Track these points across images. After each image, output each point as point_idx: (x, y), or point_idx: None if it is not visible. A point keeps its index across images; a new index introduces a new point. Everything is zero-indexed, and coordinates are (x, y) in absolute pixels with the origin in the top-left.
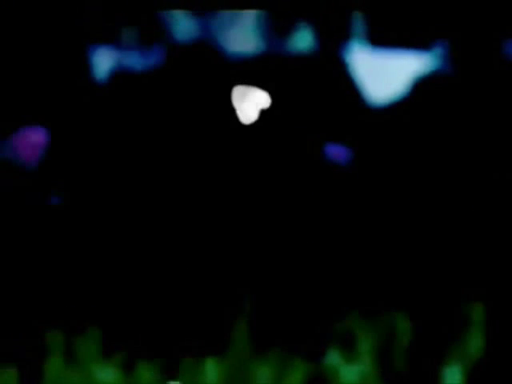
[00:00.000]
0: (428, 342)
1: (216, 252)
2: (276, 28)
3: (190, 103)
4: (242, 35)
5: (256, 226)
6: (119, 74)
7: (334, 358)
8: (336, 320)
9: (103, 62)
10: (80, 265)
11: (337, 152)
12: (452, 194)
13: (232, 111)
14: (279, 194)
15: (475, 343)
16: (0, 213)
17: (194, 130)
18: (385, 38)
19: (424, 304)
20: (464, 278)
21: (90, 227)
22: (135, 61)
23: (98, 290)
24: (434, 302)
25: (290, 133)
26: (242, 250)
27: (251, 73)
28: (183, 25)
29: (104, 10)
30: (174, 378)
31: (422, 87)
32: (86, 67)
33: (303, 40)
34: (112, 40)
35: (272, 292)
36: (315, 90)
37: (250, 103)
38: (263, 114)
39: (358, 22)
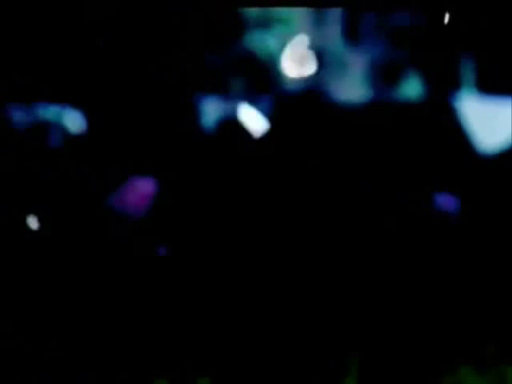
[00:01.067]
0: None
1: (323, 312)
2: (384, 76)
3: (297, 152)
4: (350, 84)
5: (363, 283)
6: (227, 124)
7: None
8: (447, 373)
9: (212, 111)
10: (189, 314)
11: (446, 201)
12: None
13: (341, 159)
14: (388, 246)
15: None
16: (109, 262)
17: (302, 178)
18: (494, 86)
19: None
20: None
21: (197, 277)
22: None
23: (209, 339)
24: None
25: (399, 182)
26: (349, 309)
27: (360, 121)
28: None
29: (212, 60)
30: None
31: None
32: (194, 116)
33: (412, 88)
34: (221, 90)
35: (380, 348)
36: (424, 137)
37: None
38: (373, 162)
39: (467, 70)
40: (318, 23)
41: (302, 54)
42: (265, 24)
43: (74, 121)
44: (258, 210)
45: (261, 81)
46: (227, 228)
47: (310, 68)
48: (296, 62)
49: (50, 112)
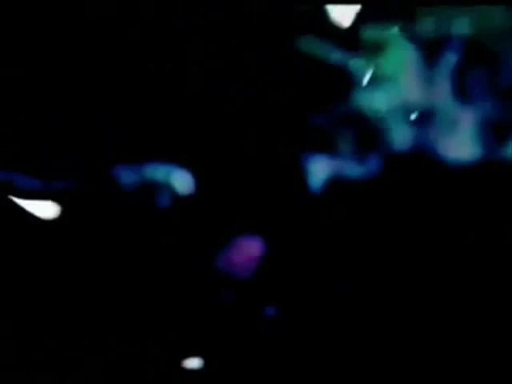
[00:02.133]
0: None
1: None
2: (494, 134)
3: (406, 211)
4: (460, 142)
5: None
6: (335, 183)
7: None
8: None
9: (319, 170)
10: (297, 373)
11: None
12: None
13: (449, 217)
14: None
15: None
16: (217, 323)
17: (412, 237)
18: None
19: None
20: None
21: (306, 339)
22: (351, 169)
23: None
24: None
25: (499, 246)
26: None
27: (469, 180)
28: (400, 132)
29: (319, 119)
30: None
31: None
32: (301, 175)
33: None
34: (328, 148)
35: None
36: None
37: None
38: (483, 221)
39: None
40: (427, 80)
41: None
42: (372, 82)
43: (181, 181)
44: (366, 271)
45: (368, 139)
46: (335, 288)
47: None
48: None
49: (158, 172)
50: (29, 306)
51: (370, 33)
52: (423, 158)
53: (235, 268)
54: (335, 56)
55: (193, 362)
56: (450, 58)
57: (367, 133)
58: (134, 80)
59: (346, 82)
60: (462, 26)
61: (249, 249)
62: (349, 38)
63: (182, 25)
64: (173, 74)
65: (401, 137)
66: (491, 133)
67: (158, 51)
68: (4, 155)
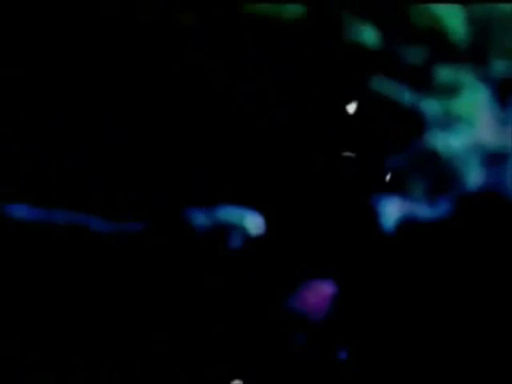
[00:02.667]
0: None
1: None
2: None
3: (480, 253)
4: None
5: None
6: (406, 224)
7: None
8: None
9: (391, 211)
10: None
11: None
12: None
13: None
14: None
15: None
16: (289, 363)
17: (487, 280)
18: None
19: None
20: None
21: (377, 378)
22: (423, 210)
23: None
24: None
25: None
26: None
27: None
28: (473, 173)
29: (392, 160)
30: None
31: None
32: (373, 217)
33: None
34: (399, 190)
35: None
36: None
37: None
38: None
39: None
40: (500, 121)
41: None
42: (445, 123)
43: (253, 223)
44: (439, 313)
45: (441, 180)
46: (409, 329)
47: None
48: None
49: (230, 214)
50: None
51: (442, 73)
52: (496, 199)
53: (307, 310)
54: (408, 97)
55: None
56: None
57: (440, 174)
58: (208, 124)
59: (419, 123)
60: None
61: (321, 291)
62: (421, 79)
63: (250, 63)
64: (246, 118)
65: (474, 178)
66: None
67: (224, 91)
68: (77, 198)
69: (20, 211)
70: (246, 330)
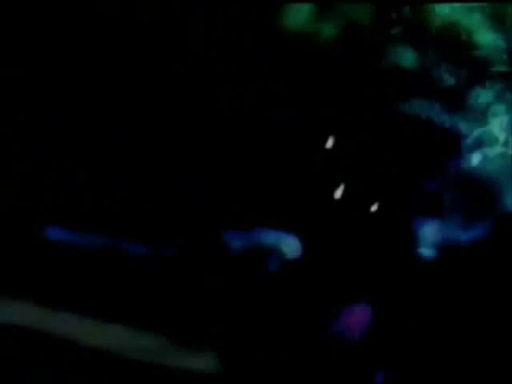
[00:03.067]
0: None
1: None
2: None
3: None
4: None
5: None
6: (445, 248)
7: None
8: None
9: (429, 234)
10: None
11: None
12: None
13: None
14: None
15: None
16: None
17: None
18: None
19: None
20: None
21: None
22: (461, 233)
23: None
24: None
25: None
26: None
27: None
28: (510, 195)
29: (430, 184)
30: None
31: None
32: (411, 241)
33: None
34: (439, 213)
35: None
36: None
37: None
38: None
39: None
40: None
41: None
42: (480, 144)
43: (290, 246)
44: (479, 337)
45: (478, 202)
46: (447, 353)
47: None
48: None
49: (266, 238)
50: None
51: (477, 94)
52: None
53: (346, 334)
54: (444, 118)
55: None
56: None
57: (477, 196)
58: (245, 149)
59: (455, 144)
60: None
61: (359, 316)
62: (458, 101)
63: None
64: (285, 145)
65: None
66: None
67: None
68: (113, 222)
69: (57, 234)
70: (286, 353)
